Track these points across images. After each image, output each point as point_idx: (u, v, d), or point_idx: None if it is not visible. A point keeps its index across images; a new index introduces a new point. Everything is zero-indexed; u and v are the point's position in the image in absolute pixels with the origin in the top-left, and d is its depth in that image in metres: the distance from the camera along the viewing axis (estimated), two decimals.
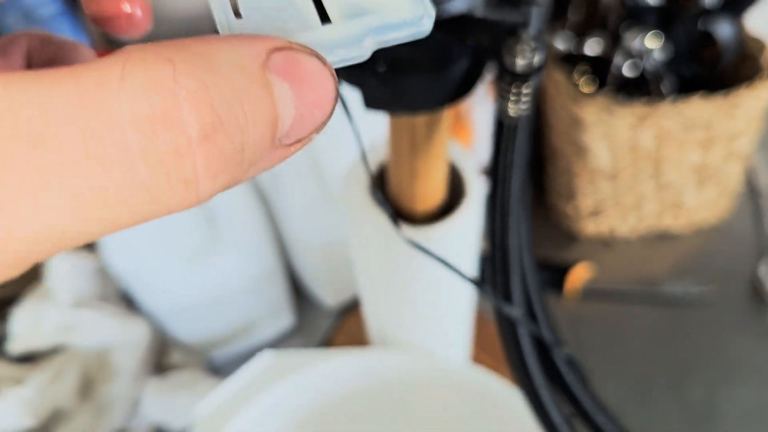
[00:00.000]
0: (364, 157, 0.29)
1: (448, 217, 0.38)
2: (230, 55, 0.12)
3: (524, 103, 0.25)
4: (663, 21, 0.64)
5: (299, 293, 0.71)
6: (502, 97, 0.25)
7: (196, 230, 0.54)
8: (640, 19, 0.64)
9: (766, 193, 0.78)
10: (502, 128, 0.28)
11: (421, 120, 0.32)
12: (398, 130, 0.34)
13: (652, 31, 0.64)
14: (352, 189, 0.40)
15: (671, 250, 0.74)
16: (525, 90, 0.24)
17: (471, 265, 0.44)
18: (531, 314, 0.33)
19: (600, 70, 0.68)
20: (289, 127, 0.13)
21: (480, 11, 0.25)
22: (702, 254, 0.74)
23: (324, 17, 0.15)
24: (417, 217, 0.39)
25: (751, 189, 0.79)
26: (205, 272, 0.55)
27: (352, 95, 0.28)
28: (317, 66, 0.14)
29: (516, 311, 0.31)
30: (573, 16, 0.70)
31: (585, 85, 0.69)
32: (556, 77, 0.61)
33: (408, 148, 0.34)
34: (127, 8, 0.18)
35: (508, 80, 0.24)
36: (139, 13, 0.18)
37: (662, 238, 0.75)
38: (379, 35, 0.15)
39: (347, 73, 0.28)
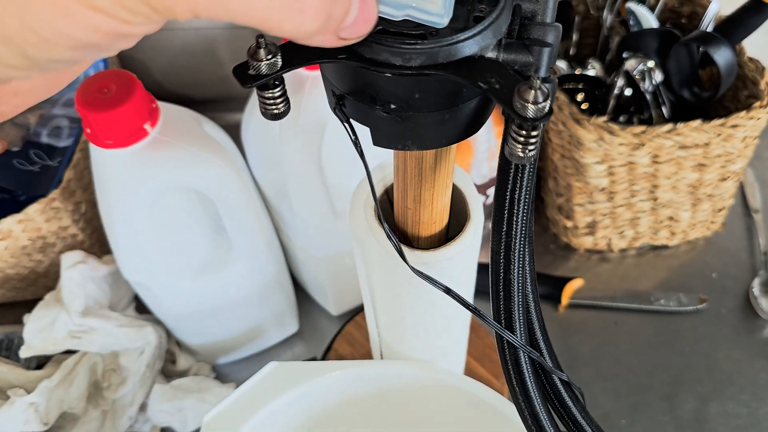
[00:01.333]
0: (372, 191, 0.30)
1: (453, 241, 0.39)
2: None
3: (532, 146, 0.25)
4: (663, 44, 0.65)
5: (303, 300, 0.72)
6: (510, 139, 0.26)
7: (206, 242, 0.55)
8: (640, 42, 0.65)
9: (759, 209, 0.79)
10: (509, 167, 0.29)
11: (429, 151, 0.33)
12: (405, 159, 0.35)
13: (652, 54, 0.65)
14: (357, 210, 0.41)
15: (665, 265, 0.76)
16: (534, 134, 0.25)
17: (471, 284, 0.46)
18: (532, 341, 0.35)
19: (601, 91, 0.69)
20: (348, 24, 0.21)
21: (491, 52, 0.26)
22: (696, 269, 0.75)
23: None
24: (422, 240, 0.40)
25: (745, 205, 0.80)
26: (214, 282, 0.56)
27: (362, 130, 0.29)
28: (373, 2, 0.21)
29: (518, 341, 0.32)
30: (575, 37, 0.71)
31: (585, 106, 0.70)
32: (558, 97, 0.63)
33: (415, 176, 0.35)
34: None
35: (517, 124, 0.25)
36: None
37: (657, 252, 0.77)
38: (413, 13, 0.23)
39: (357, 111, 0.28)
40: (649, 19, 0.67)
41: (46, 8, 0.17)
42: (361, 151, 0.29)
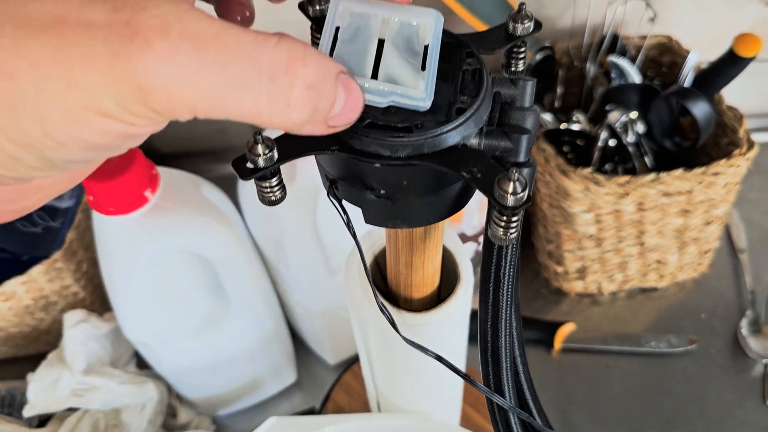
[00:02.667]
0: (365, 267, 0.32)
1: (444, 303, 0.41)
2: (329, 62, 0.22)
3: (513, 229, 0.27)
4: (644, 98, 0.68)
5: (300, 349, 0.74)
6: (492, 223, 0.27)
7: (205, 301, 0.57)
8: (622, 95, 0.68)
9: (745, 249, 0.81)
10: (493, 245, 0.31)
11: None
12: (397, 230, 0.36)
13: (634, 107, 0.67)
14: (352, 276, 0.42)
15: (655, 306, 0.77)
16: (514, 219, 0.27)
17: (463, 341, 0.47)
18: (522, 402, 0.36)
19: (586, 142, 0.71)
20: (336, 113, 0.22)
21: (473, 139, 0.28)
22: (685, 310, 0.77)
23: (375, 74, 0.25)
24: (414, 302, 0.41)
25: (731, 245, 0.82)
26: (214, 339, 0.57)
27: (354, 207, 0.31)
28: (359, 92, 0.23)
29: (507, 404, 0.33)
30: (559, 90, 0.73)
31: (571, 156, 0.72)
32: (545, 149, 0.65)
33: (406, 245, 0.37)
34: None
35: (498, 210, 0.27)
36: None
37: (646, 294, 0.78)
38: (397, 99, 0.25)
39: (349, 194, 0.30)
40: (630, 71, 0.70)
41: (62, 117, 0.19)
42: (354, 232, 0.31)
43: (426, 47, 0.26)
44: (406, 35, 0.26)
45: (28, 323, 0.64)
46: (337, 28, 0.26)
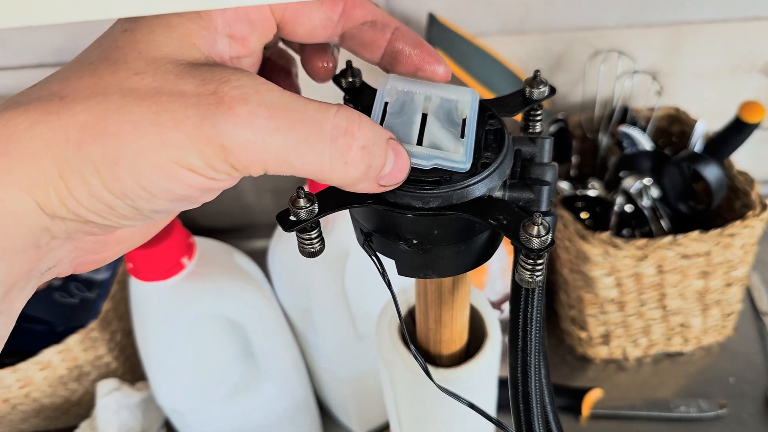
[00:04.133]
0: (399, 317, 0.33)
1: (473, 358, 0.42)
2: (380, 129, 0.25)
3: (539, 272, 0.29)
4: (656, 164, 0.70)
5: (326, 422, 0.74)
6: (519, 267, 0.29)
7: (236, 367, 0.58)
8: (635, 162, 0.70)
9: None
10: (520, 290, 0.33)
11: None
12: (426, 284, 0.38)
13: (647, 172, 0.70)
14: (383, 331, 0.44)
15: (682, 371, 0.77)
16: (539, 262, 0.29)
17: (492, 396, 0.48)
18: None
19: (602, 208, 0.73)
20: (386, 173, 0.26)
21: (498, 192, 0.30)
22: (712, 374, 0.77)
23: (420, 141, 0.28)
24: (443, 358, 0.42)
25: (754, 308, 0.82)
26: (244, 406, 0.58)
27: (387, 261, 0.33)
28: (406, 155, 0.27)
29: None
30: (574, 160, 0.76)
31: (589, 224, 0.74)
32: (563, 215, 0.67)
33: (435, 299, 0.39)
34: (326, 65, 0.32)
35: (524, 254, 0.28)
36: (330, 67, 0.32)
37: (672, 359, 0.78)
38: (440, 162, 0.28)
39: (383, 246, 0.32)
40: (642, 140, 0.72)
41: (155, 171, 0.22)
42: (389, 281, 0.32)
43: (464, 120, 0.29)
44: (446, 109, 0.30)
45: (60, 394, 0.65)
46: (386, 104, 0.29)
